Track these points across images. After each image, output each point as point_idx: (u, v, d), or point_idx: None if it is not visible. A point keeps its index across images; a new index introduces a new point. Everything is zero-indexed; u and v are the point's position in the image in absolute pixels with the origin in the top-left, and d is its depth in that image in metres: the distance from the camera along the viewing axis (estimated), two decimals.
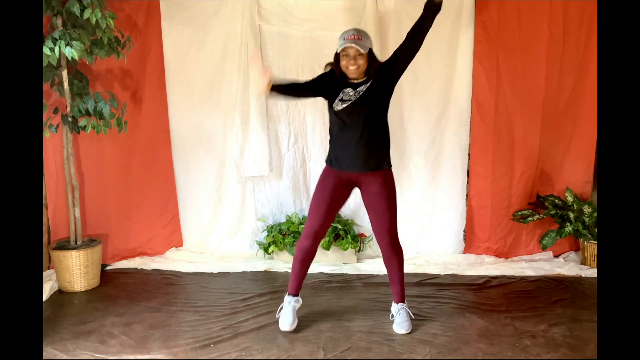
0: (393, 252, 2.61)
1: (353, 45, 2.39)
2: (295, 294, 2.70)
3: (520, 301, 2.97)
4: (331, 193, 2.58)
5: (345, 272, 3.46)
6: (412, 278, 3.30)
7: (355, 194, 2.75)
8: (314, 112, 3.62)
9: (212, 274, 3.47)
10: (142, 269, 3.54)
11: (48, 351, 2.42)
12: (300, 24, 3.52)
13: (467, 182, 3.68)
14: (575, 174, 3.68)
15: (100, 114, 3.08)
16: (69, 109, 3.12)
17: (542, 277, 3.35)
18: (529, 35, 3.45)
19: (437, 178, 3.70)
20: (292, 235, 3.58)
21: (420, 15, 2.42)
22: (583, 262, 3.57)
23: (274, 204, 3.80)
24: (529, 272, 3.41)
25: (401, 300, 2.67)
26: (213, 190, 3.77)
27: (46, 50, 2.75)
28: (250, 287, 3.24)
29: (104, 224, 3.57)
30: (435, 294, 3.08)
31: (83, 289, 3.19)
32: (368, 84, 2.48)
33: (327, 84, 2.54)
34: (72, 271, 3.14)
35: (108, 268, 3.55)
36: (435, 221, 3.75)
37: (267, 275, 3.45)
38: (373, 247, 3.61)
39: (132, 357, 2.38)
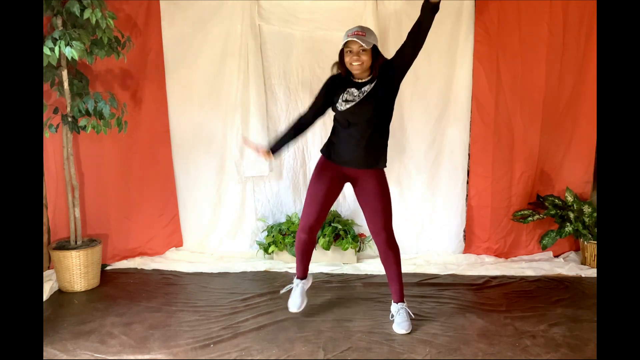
0: (390, 249, 2.61)
1: (356, 40, 2.38)
2: (304, 277, 2.79)
3: (520, 301, 2.97)
4: (327, 187, 2.60)
5: (345, 272, 3.46)
6: (412, 278, 3.31)
7: (350, 192, 2.75)
8: None
9: (212, 274, 3.47)
10: (142, 269, 3.54)
11: (48, 351, 2.42)
12: (300, 24, 3.53)
13: (467, 182, 3.68)
14: (575, 174, 3.68)
15: (100, 114, 3.08)
16: (69, 109, 3.12)
17: (542, 277, 3.35)
18: (529, 35, 3.45)
19: (437, 178, 3.70)
20: (292, 235, 3.58)
21: (418, 17, 2.38)
22: (583, 262, 3.57)
23: (274, 204, 3.80)
24: (529, 272, 3.41)
25: (400, 299, 2.67)
26: (213, 190, 3.77)
27: (46, 50, 2.75)
28: (250, 287, 3.24)
29: (104, 224, 3.57)
30: (435, 294, 3.08)
31: (83, 289, 3.19)
32: (373, 84, 2.47)
33: (332, 91, 2.54)
34: (72, 271, 3.14)
35: (108, 268, 3.55)
36: (435, 221, 3.75)
37: (267, 275, 3.45)
38: (373, 247, 3.60)
39: (132, 357, 2.38)
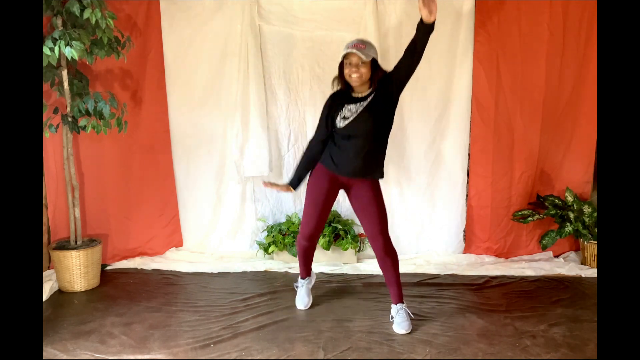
0: (387, 254, 2.63)
1: (355, 52, 2.41)
2: (307, 276, 2.99)
3: (520, 301, 2.97)
4: (325, 195, 2.67)
5: (345, 272, 3.46)
6: (412, 278, 3.31)
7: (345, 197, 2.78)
8: (314, 112, 3.62)
9: (212, 274, 3.47)
10: (142, 269, 3.54)
11: (48, 351, 2.42)
12: (301, 24, 3.52)
13: (467, 182, 3.68)
14: (575, 174, 3.68)
15: (100, 114, 3.08)
16: (69, 109, 3.12)
17: (542, 277, 3.35)
18: (529, 35, 3.45)
19: (437, 178, 3.70)
20: (292, 235, 3.58)
21: (414, 37, 2.37)
22: (583, 262, 3.57)
23: (274, 204, 3.80)
24: (529, 272, 3.41)
25: (399, 300, 2.68)
26: (213, 190, 3.77)
27: (46, 50, 2.75)
28: (250, 287, 3.24)
29: (104, 224, 3.57)
30: (435, 294, 3.08)
31: (83, 289, 3.19)
32: (371, 97, 2.50)
33: (332, 111, 2.57)
34: (72, 271, 3.14)
35: (108, 268, 3.55)
36: (435, 221, 3.75)
37: (267, 275, 3.45)
38: None
39: (132, 357, 2.38)
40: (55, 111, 3.22)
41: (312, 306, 2.92)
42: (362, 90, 2.53)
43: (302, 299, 2.91)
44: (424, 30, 2.33)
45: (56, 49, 2.78)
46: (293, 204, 3.78)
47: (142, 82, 3.51)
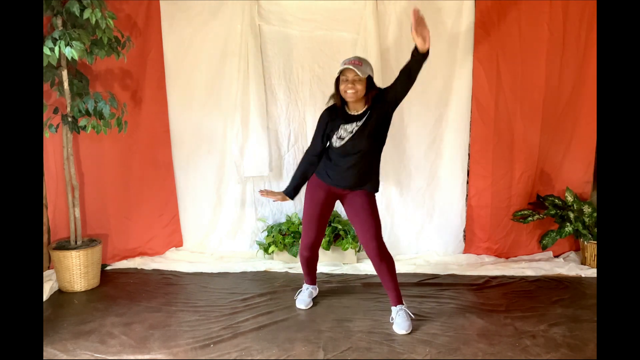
0: (382, 259, 2.63)
1: (352, 68, 2.43)
2: (312, 284, 3.02)
3: (520, 301, 2.97)
4: (322, 206, 2.73)
5: (345, 272, 3.46)
6: (412, 278, 3.31)
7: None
8: (314, 112, 3.62)
9: (212, 274, 3.47)
10: (142, 269, 3.54)
11: (48, 351, 2.42)
12: (301, 24, 3.52)
13: (467, 182, 3.68)
14: (575, 174, 3.68)
15: (100, 114, 3.08)
16: (69, 109, 3.12)
17: (542, 277, 3.35)
18: (529, 35, 3.45)
19: (437, 178, 3.70)
20: (292, 235, 3.58)
21: (409, 63, 2.37)
22: (583, 262, 3.57)
23: (273, 204, 3.80)
24: (529, 272, 3.41)
25: (399, 302, 2.68)
26: (213, 190, 3.77)
27: (46, 50, 2.75)
28: (250, 287, 3.24)
29: (104, 224, 3.57)
30: (435, 294, 3.08)
31: (83, 289, 3.19)
32: (365, 117, 2.53)
33: (328, 127, 2.61)
34: (72, 271, 3.14)
35: (108, 268, 3.55)
36: (435, 221, 3.75)
37: (267, 275, 3.45)
38: None
39: (132, 357, 2.38)
40: (55, 111, 3.22)
41: (312, 306, 2.92)
42: (357, 108, 2.57)
43: (304, 300, 2.94)
44: (419, 57, 2.33)
45: (56, 49, 2.78)
46: (293, 204, 3.78)
47: (142, 82, 3.51)
